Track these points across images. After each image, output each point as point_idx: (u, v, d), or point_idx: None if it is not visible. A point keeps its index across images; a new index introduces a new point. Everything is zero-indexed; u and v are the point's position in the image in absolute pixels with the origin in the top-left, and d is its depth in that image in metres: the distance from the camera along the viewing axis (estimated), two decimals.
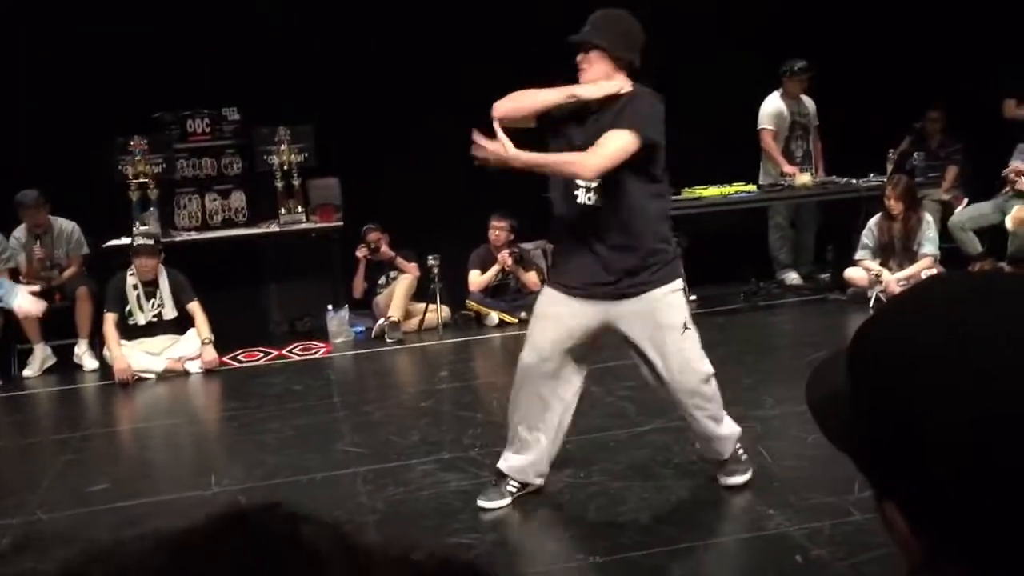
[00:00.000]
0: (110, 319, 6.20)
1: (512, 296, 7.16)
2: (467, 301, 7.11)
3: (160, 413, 5.58)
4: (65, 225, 6.90)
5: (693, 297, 7.14)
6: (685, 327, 3.19)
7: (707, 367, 3.25)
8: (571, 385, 3.33)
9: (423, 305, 6.99)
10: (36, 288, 3.46)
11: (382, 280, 7.27)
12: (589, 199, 3.20)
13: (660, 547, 3.02)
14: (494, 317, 6.98)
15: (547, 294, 3.35)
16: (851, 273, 6.59)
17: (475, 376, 5.86)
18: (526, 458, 3.34)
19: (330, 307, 6.94)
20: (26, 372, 6.51)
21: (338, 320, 6.91)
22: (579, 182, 3.20)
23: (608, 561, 2.95)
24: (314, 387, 5.55)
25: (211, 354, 6.19)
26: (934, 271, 6.06)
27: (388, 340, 6.71)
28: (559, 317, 3.23)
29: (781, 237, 7.69)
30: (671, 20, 7.97)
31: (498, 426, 4.41)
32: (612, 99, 3.15)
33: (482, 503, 3.36)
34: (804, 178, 6.95)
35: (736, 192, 7.01)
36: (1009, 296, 0.64)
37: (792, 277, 7.63)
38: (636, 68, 3.27)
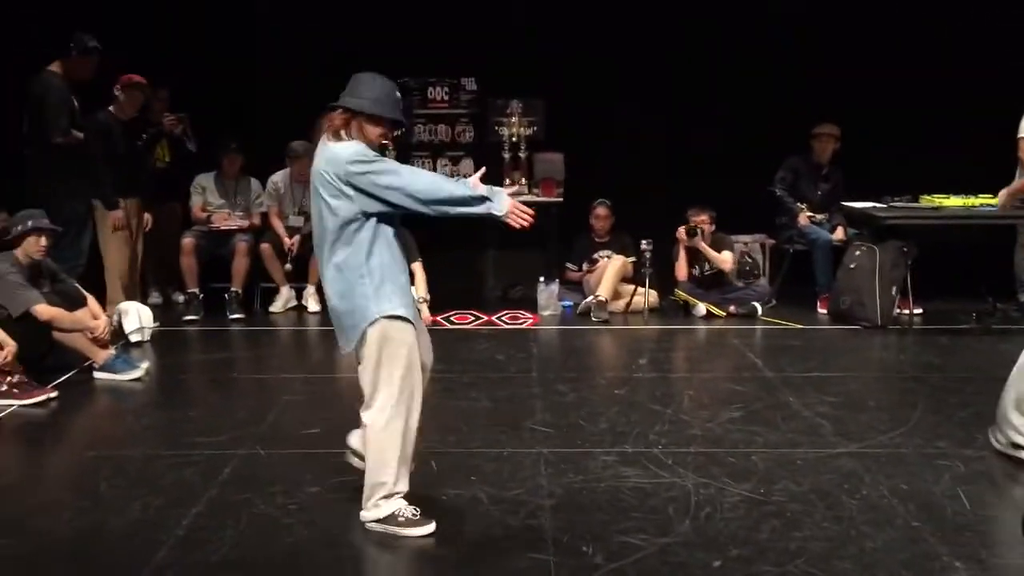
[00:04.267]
0: None
1: (724, 289, 7.07)
2: (676, 290, 7.09)
3: None
4: None
5: (919, 311, 6.76)
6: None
7: None
8: None
9: (632, 287, 7.05)
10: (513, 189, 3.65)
11: (596, 257, 7.39)
12: None
13: None
14: (701, 308, 6.92)
15: None
16: None
17: (673, 368, 5.86)
18: None
19: (542, 279, 7.14)
20: (272, 308, 7.22)
21: (548, 293, 7.11)
22: None
23: None
24: (516, 358, 5.77)
25: (425, 313, 6.57)
26: None
27: (594, 319, 6.83)
28: None
29: None
30: (933, 16, 7.49)
31: (686, 424, 4.44)
32: None
33: None
34: None
35: (981, 205, 6.52)
36: None
37: None
38: None
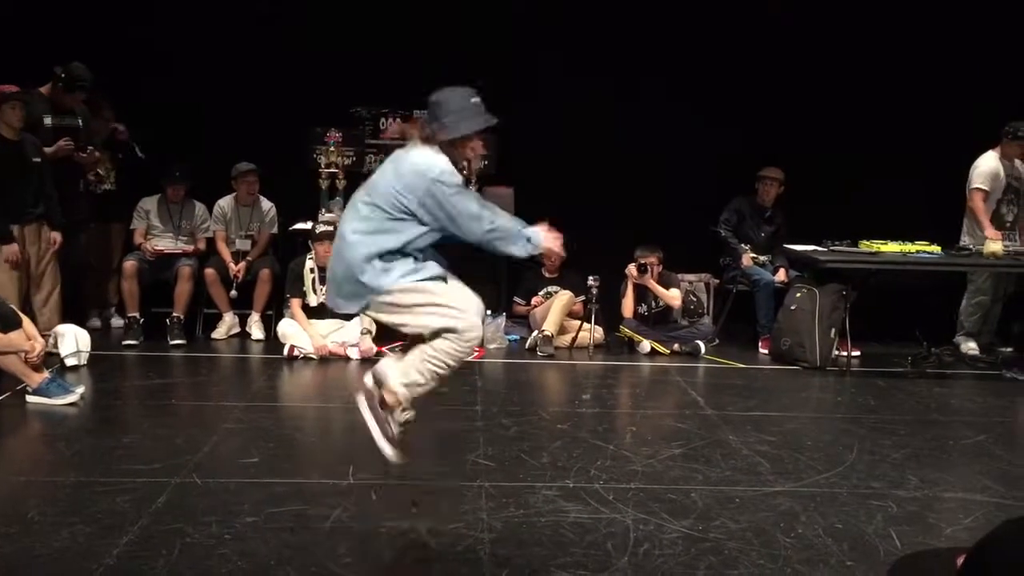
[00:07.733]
0: (296, 304, 6.67)
1: (669, 327, 7.15)
2: (621, 326, 7.16)
3: (316, 395, 5.95)
4: (265, 203, 7.47)
5: (856, 353, 6.89)
6: None
7: None
8: None
9: (578, 323, 7.09)
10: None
11: (543, 293, 7.43)
12: None
13: None
14: (646, 345, 6.99)
15: None
16: None
17: (616, 404, 5.89)
18: None
19: (489, 312, 7.14)
20: (214, 335, 7.13)
21: (494, 326, 7.12)
22: None
23: None
24: (460, 391, 5.75)
25: (368, 344, 6.56)
26: None
27: (539, 353, 6.85)
28: None
29: (977, 303, 7.27)
30: (877, 63, 7.73)
31: (627, 460, 4.46)
32: None
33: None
34: (994, 247, 6.55)
35: (917, 251, 6.70)
36: None
37: (971, 347, 7.23)
38: None
